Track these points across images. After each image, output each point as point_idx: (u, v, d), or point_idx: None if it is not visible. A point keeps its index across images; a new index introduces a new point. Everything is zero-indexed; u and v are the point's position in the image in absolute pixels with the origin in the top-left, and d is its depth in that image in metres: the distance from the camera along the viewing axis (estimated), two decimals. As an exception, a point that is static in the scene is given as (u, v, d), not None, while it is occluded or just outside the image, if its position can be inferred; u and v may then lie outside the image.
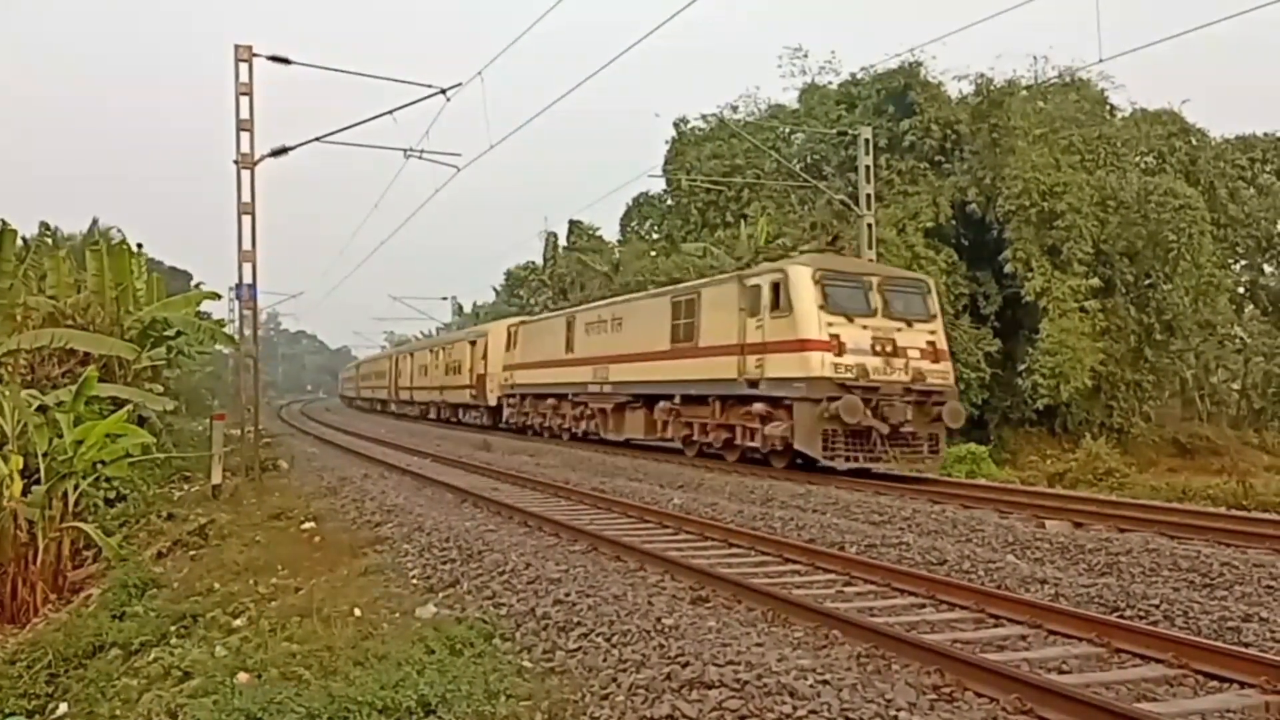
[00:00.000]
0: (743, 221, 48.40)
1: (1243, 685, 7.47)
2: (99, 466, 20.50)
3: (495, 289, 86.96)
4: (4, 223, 26.33)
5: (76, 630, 14.22)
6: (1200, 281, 41.27)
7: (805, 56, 55.39)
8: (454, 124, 28.46)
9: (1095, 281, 39.58)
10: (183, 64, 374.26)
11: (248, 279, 25.28)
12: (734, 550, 13.74)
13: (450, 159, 28.85)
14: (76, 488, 19.61)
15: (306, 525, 17.48)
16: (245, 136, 24.81)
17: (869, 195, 33.26)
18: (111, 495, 22.14)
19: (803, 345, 22.47)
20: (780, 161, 47.41)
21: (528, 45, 24.64)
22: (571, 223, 69.55)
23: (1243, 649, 8.30)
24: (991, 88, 44.42)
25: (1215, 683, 7.65)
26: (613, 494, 19.60)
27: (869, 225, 32.58)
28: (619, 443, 31.93)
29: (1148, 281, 42.70)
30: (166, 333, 30.37)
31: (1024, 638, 9.01)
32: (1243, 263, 51.61)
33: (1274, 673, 7.42)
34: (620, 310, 33.06)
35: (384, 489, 21.27)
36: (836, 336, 22.33)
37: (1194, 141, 47.62)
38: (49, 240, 39.72)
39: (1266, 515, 16.08)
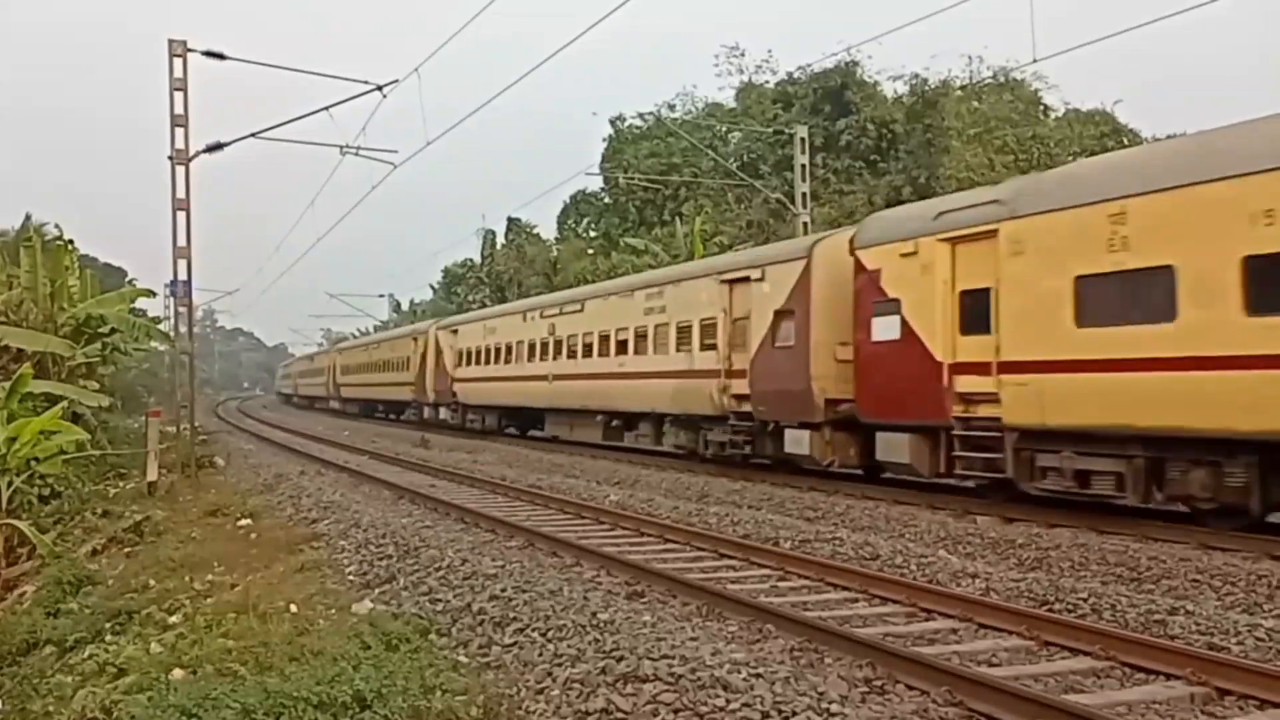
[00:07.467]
0: (679, 220, 48.57)
1: (1169, 677, 7.62)
2: (33, 463, 20.27)
3: (433, 286, 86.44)
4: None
5: (10, 627, 14.08)
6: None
7: (742, 55, 55.80)
8: (391, 121, 28.31)
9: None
10: (117, 58, 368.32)
11: (183, 275, 25.06)
12: (669, 546, 13.83)
13: (387, 155, 28.81)
14: (10, 485, 19.39)
15: (243, 522, 17.41)
16: (180, 132, 24.56)
17: (805, 194, 33.48)
18: (46, 492, 21.87)
19: None
20: (717, 160, 47.65)
21: (465, 43, 24.55)
22: (510, 220, 69.31)
23: (1169, 641, 8.48)
24: (926, 88, 44.88)
25: (1142, 674, 7.79)
26: (549, 490, 19.63)
27: (805, 224, 32.76)
28: (553, 440, 32.21)
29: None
30: (101, 329, 30.02)
31: (955, 631, 9.17)
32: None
33: (1200, 664, 7.57)
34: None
35: (320, 486, 21.17)
36: None
37: (1126, 141, 48.11)
38: (-20, 237, 39.09)
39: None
